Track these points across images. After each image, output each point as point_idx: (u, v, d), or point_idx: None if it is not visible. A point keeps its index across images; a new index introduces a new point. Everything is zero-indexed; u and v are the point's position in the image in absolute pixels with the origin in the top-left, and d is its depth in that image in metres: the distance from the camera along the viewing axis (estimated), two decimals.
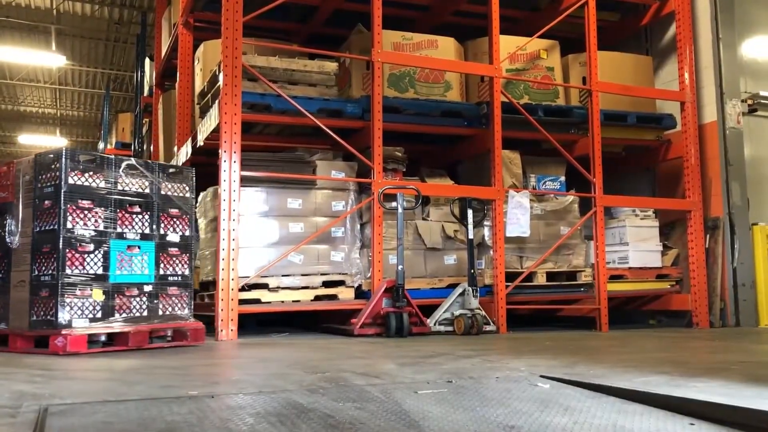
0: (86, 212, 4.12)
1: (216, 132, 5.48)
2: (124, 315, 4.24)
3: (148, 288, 4.38)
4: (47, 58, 14.53)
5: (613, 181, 6.83)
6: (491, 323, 5.69)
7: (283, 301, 5.58)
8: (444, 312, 5.57)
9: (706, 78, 6.91)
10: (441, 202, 6.38)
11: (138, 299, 4.32)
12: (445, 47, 6.58)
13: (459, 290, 5.64)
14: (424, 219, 6.31)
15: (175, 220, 4.57)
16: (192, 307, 4.61)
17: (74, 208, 4.07)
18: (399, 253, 5.38)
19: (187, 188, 4.65)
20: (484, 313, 5.61)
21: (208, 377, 3.03)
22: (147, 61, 10.72)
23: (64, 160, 4.09)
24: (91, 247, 4.11)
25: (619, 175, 7.50)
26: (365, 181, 5.83)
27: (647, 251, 6.78)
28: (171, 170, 4.61)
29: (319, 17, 7.45)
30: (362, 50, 6.25)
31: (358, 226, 6.02)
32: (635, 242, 6.73)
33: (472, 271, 5.68)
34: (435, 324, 5.50)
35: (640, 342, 4.92)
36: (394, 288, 5.27)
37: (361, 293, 5.83)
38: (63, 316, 3.97)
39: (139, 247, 4.36)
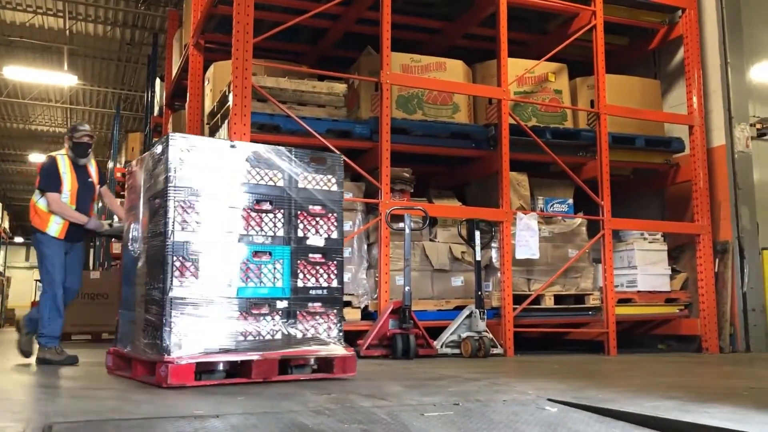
0: (198, 212, 3.45)
1: None
2: (250, 339, 3.42)
3: (281, 304, 3.55)
4: (59, 78, 14.70)
5: (621, 204, 6.81)
6: (498, 346, 5.64)
7: None
8: (451, 334, 5.53)
9: (714, 102, 6.91)
10: (448, 224, 6.37)
11: (268, 319, 3.50)
12: (454, 69, 6.61)
13: (466, 312, 5.60)
14: (431, 240, 6.29)
15: (317, 219, 3.73)
16: (341, 328, 3.72)
17: (184, 206, 3.37)
18: (406, 274, 5.36)
19: (333, 180, 3.83)
20: (491, 335, 5.58)
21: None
22: (157, 81, 10.82)
23: (171, 148, 3.38)
24: (203, 252, 3.45)
25: (628, 198, 7.48)
26: (373, 201, 5.83)
27: (656, 275, 6.74)
28: (312, 158, 3.82)
29: (329, 39, 7.51)
30: (371, 72, 6.29)
31: (365, 247, 6.01)
32: (644, 266, 6.69)
33: (480, 293, 5.65)
34: (442, 346, 5.46)
35: (649, 366, 4.87)
36: (401, 309, 5.24)
37: (367, 314, 5.80)
38: (170, 339, 3.25)
39: (270, 254, 3.57)
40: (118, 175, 12.78)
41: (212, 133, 6.29)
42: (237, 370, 3.41)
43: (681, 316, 6.76)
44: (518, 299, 6.05)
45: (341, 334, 3.69)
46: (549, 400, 2.82)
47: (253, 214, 3.53)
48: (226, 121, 5.54)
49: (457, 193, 6.96)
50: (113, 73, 16.17)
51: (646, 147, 6.93)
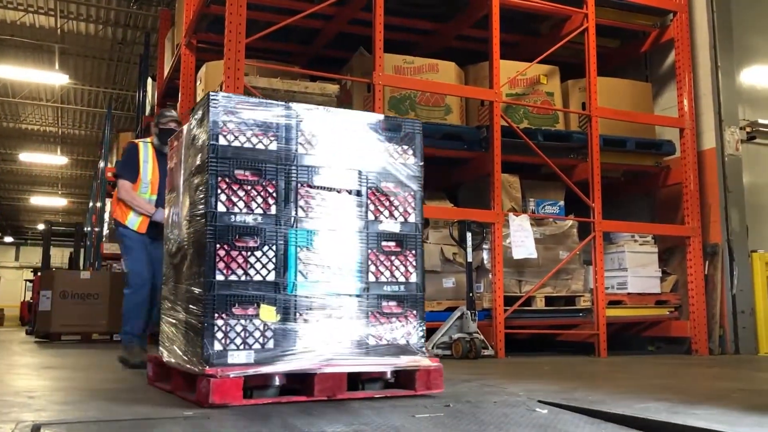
0: (248, 188, 2.79)
1: None
2: (311, 346, 2.81)
3: (351, 302, 2.91)
4: (50, 77, 14.62)
5: (612, 206, 6.84)
6: (489, 347, 5.65)
7: None
8: (442, 335, 5.54)
9: (705, 105, 6.94)
10: (440, 225, 6.37)
11: (334, 321, 2.87)
12: (446, 71, 6.62)
13: (457, 314, 5.61)
14: (423, 241, 6.29)
15: (391, 200, 3.09)
16: (423, 333, 3.04)
17: (228, 182, 2.76)
18: None
19: (411, 153, 3.17)
20: (482, 337, 5.58)
21: None
22: (149, 81, 10.78)
23: (212, 110, 2.77)
24: (256, 240, 2.77)
25: (619, 200, 7.51)
26: None
27: (646, 277, 6.76)
28: (383, 125, 3.17)
29: (322, 40, 7.50)
30: (364, 73, 6.28)
31: None
32: (634, 268, 6.72)
33: (471, 294, 5.66)
34: (433, 347, 5.47)
35: (639, 368, 4.89)
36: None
37: None
38: (212, 346, 2.64)
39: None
40: (109, 175, 12.71)
41: None
42: (295, 386, 2.77)
43: (671, 318, 6.79)
44: (509, 301, 6.06)
45: (423, 340, 3.03)
46: (539, 401, 2.83)
47: (312, 191, 2.87)
48: None
49: (448, 195, 6.96)
50: (105, 73, 16.10)
51: (636, 149, 6.96)
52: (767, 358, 6.25)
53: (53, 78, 14.74)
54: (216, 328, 2.65)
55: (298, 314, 2.80)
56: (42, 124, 19.60)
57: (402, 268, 3.06)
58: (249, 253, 2.75)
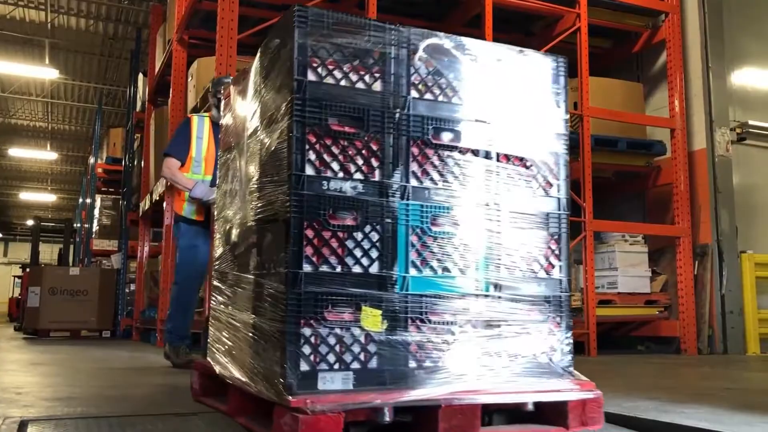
0: (344, 144, 2.00)
1: None
2: (428, 365, 1.98)
3: (474, 307, 2.08)
4: (40, 72, 14.53)
5: (603, 206, 6.85)
6: None
7: None
8: None
9: (696, 106, 6.97)
10: None
11: (455, 332, 2.05)
12: None
13: None
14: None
15: (528, 165, 2.25)
16: (570, 348, 2.21)
17: (319, 134, 1.98)
18: None
19: (555, 100, 2.35)
20: None
21: None
22: (140, 76, 10.73)
23: (299, 31, 2.00)
24: (355, 217, 1.99)
25: (609, 199, 7.53)
26: None
27: (636, 276, 6.78)
28: (529, 62, 2.37)
29: None
30: None
31: None
32: (624, 267, 6.74)
33: None
34: None
35: (629, 367, 4.91)
36: None
37: None
38: (298, 365, 1.84)
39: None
40: (100, 170, 12.66)
41: None
42: (404, 419, 1.98)
43: (661, 318, 6.81)
44: None
45: (571, 357, 2.20)
46: None
47: (429, 152, 2.09)
48: None
49: None
50: (95, 68, 16.01)
51: (627, 150, 6.98)
52: (755, 357, 6.29)
53: (43, 73, 14.65)
54: (303, 340, 1.85)
55: (409, 321, 1.99)
56: (32, 120, 19.49)
57: (542, 259, 2.20)
58: (346, 235, 1.96)
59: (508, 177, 2.20)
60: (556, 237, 2.24)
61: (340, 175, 1.98)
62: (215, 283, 2.55)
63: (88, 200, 14.14)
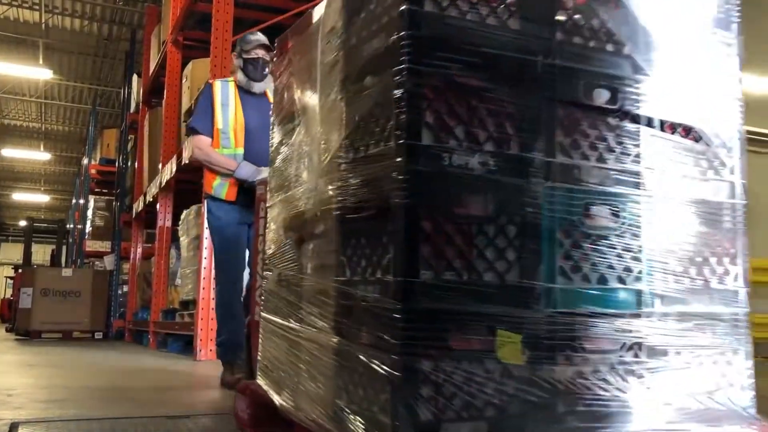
0: (471, 103, 1.41)
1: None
2: (581, 408, 1.41)
3: (640, 327, 1.50)
4: (34, 72, 14.48)
5: None
6: None
7: None
8: None
9: None
10: None
11: (615, 360, 1.47)
12: None
13: None
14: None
15: (699, 140, 1.68)
16: (752, 382, 1.62)
17: (439, 88, 1.38)
18: None
19: (732, 66, 1.86)
20: None
21: None
22: (134, 77, 10.71)
23: None
24: (486, 205, 1.40)
25: None
26: None
27: None
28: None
29: None
30: None
31: None
32: None
33: None
34: None
35: None
36: None
37: None
38: (413, 412, 1.27)
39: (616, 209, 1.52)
40: (93, 171, 12.63)
41: None
42: None
43: None
44: None
45: (753, 395, 1.62)
46: None
47: (584, 118, 1.51)
48: None
49: None
50: (90, 69, 15.97)
51: None
52: None
53: (37, 73, 14.60)
54: (421, 378, 1.28)
55: (557, 349, 1.40)
56: (25, 120, 19.42)
57: (716, 266, 1.61)
58: (475, 230, 1.36)
59: (674, 153, 1.60)
60: (731, 235, 1.65)
61: (466, 145, 1.38)
62: (267, 286, 2.01)
63: (82, 201, 14.11)
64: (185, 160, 6.08)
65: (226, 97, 3.46)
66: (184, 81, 7.03)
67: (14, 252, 32.04)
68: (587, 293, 1.45)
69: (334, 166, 1.61)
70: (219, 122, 3.41)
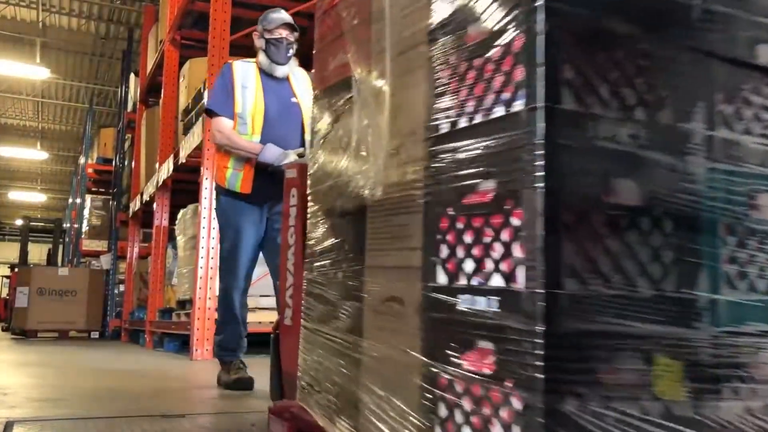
0: (616, 60, 1.04)
1: (199, 149, 5.46)
2: None
3: None
4: (31, 71, 14.45)
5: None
6: None
7: (260, 322, 5.50)
8: None
9: None
10: None
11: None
12: None
13: None
14: None
15: None
16: None
17: (578, 38, 1.01)
18: None
19: None
20: None
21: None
22: (132, 77, 10.70)
23: None
24: (634, 190, 1.02)
25: None
26: None
27: None
28: None
29: (307, 39, 7.46)
30: None
31: None
32: None
33: None
34: None
35: None
36: None
37: None
38: None
39: None
40: (90, 171, 12.60)
41: (186, 130, 6.23)
42: None
43: None
44: None
45: None
46: None
47: (743, 79, 1.19)
48: (201, 118, 5.49)
49: None
50: (87, 68, 15.94)
51: None
52: None
53: (34, 72, 14.56)
54: (563, 421, 0.94)
55: (722, 380, 1.08)
56: (22, 119, 19.37)
57: None
58: (625, 224, 1.03)
59: None
60: None
61: (612, 114, 1.03)
62: (309, 288, 1.69)
63: (78, 200, 14.08)
64: (181, 159, 6.07)
65: (247, 78, 3.19)
66: (181, 80, 7.02)
67: (11, 251, 31.95)
68: (756, 306, 1.12)
69: (417, 143, 1.23)
70: (238, 106, 3.15)
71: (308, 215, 1.77)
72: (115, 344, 8.14)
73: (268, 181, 2.99)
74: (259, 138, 3.12)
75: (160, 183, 7.11)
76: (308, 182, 1.80)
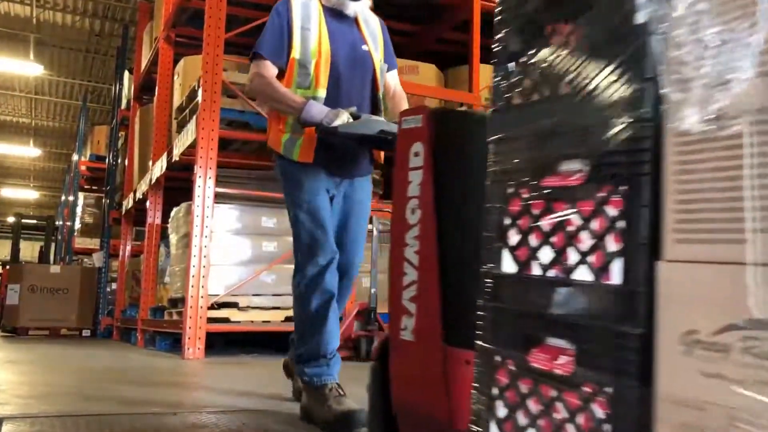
0: None
1: (192, 147, 5.44)
2: None
3: None
4: (24, 67, 14.39)
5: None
6: None
7: (252, 321, 5.50)
8: None
9: None
10: None
11: None
12: (426, 73, 6.63)
13: None
14: None
15: None
16: None
17: None
18: (372, 276, 5.35)
19: None
20: None
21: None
22: (126, 74, 10.66)
23: None
24: None
25: None
26: None
27: None
28: None
29: None
30: None
31: None
32: None
33: None
34: None
35: None
36: (366, 311, 5.23)
37: None
38: None
39: None
40: (83, 168, 12.55)
41: (180, 128, 6.21)
42: None
43: None
44: None
45: None
46: None
47: None
48: (195, 117, 5.47)
49: None
50: (81, 65, 15.88)
51: None
52: None
53: (28, 68, 14.50)
54: None
55: None
56: (15, 115, 19.28)
57: None
58: None
59: None
60: None
61: None
62: (492, 298, 1.09)
63: (71, 198, 14.01)
64: (175, 157, 6.05)
65: (307, 19, 2.53)
66: (175, 78, 7.00)
67: (2, 248, 31.79)
68: None
69: None
70: (296, 50, 2.49)
71: (493, 179, 1.10)
72: (107, 342, 8.11)
73: (340, 150, 2.45)
74: (324, 93, 2.46)
75: (154, 181, 7.09)
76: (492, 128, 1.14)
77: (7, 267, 13.57)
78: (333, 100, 2.45)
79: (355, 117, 2.35)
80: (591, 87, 0.93)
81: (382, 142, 2.36)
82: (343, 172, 2.52)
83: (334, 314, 2.40)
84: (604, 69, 0.92)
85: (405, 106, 2.68)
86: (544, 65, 1.05)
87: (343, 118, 2.31)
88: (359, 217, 2.61)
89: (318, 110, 2.35)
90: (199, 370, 4.27)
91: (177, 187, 7.24)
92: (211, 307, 5.23)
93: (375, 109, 2.58)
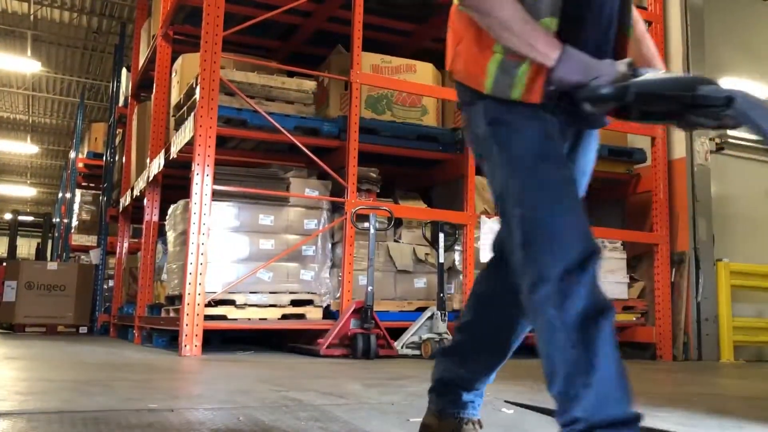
0: None
1: (190, 145, 5.45)
2: None
3: None
4: (22, 64, 14.36)
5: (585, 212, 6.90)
6: None
7: (249, 319, 5.51)
8: (412, 335, 5.55)
9: None
10: (413, 225, 6.39)
11: None
12: (424, 72, 6.64)
13: (428, 314, 5.62)
14: (395, 241, 6.31)
15: None
16: None
17: None
18: (369, 274, 5.36)
19: None
20: (451, 337, 5.60)
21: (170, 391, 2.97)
22: (124, 71, 10.64)
23: None
24: None
25: (591, 206, 7.57)
26: (339, 200, 5.82)
27: (614, 282, 6.84)
28: None
29: (300, 36, 7.47)
30: (341, 71, 6.28)
31: (330, 246, 5.99)
32: (603, 273, 6.79)
33: (442, 295, 5.68)
34: (402, 347, 5.48)
35: None
36: (363, 309, 5.24)
37: (329, 313, 5.78)
38: None
39: None
40: (80, 165, 12.54)
41: (177, 126, 6.22)
42: None
43: (637, 324, 6.88)
44: None
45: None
46: (506, 402, 2.85)
47: None
48: (192, 114, 5.48)
49: (422, 195, 6.98)
50: (78, 62, 15.85)
51: (609, 156, 7.04)
52: (728, 364, 6.37)
53: (25, 65, 14.47)
54: None
55: None
56: (12, 112, 19.24)
57: None
58: None
59: None
60: None
61: None
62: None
63: (68, 195, 14.00)
64: (173, 155, 6.05)
65: None
66: (173, 75, 7.00)
67: None
68: None
69: None
70: None
71: None
72: (104, 339, 8.11)
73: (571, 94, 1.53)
74: (556, 26, 1.55)
75: (151, 178, 7.09)
76: None
77: (4, 264, 13.56)
78: (580, 40, 1.55)
79: (631, 68, 1.49)
80: None
81: (649, 94, 1.44)
82: (577, 119, 1.64)
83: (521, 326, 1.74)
84: None
85: (655, 52, 1.85)
86: None
87: (621, 68, 1.48)
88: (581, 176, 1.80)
89: (579, 62, 1.49)
90: (195, 367, 4.28)
91: (174, 184, 7.25)
92: (208, 305, 5.24)
93: (617, 57, 1.64)
